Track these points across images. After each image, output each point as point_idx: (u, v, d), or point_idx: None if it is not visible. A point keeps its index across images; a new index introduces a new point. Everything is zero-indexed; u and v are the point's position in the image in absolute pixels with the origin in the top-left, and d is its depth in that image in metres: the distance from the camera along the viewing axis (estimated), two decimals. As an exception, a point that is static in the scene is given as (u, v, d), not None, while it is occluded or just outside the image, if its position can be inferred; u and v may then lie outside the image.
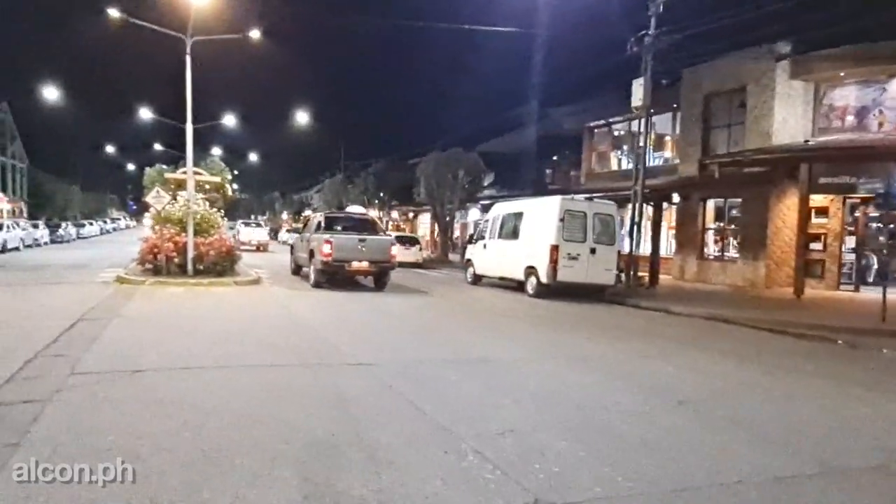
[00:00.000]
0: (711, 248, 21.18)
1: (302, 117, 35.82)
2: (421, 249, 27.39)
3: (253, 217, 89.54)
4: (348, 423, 4.60)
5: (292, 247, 19.43)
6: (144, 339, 7.44)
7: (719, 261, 20.49)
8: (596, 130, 27.32)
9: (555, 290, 14.94)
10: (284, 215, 72.84)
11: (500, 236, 17.27)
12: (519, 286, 16.11)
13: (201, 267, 15.42)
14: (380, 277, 15.54)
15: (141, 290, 12.93)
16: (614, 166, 26.67)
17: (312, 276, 15.26)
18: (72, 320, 8.54)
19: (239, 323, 9.11)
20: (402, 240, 26.98)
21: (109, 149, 55.02)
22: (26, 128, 50.36)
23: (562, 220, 14.74)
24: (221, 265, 15.60)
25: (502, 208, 17.72)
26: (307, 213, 67.80)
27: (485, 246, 17.89)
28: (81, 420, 4.35)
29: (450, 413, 4.95)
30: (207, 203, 20.20)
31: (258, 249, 31.97)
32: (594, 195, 16.29)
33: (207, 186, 24.53)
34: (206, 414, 4.60)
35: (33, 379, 5.42)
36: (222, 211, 22.33)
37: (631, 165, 24.90)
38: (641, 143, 16.95)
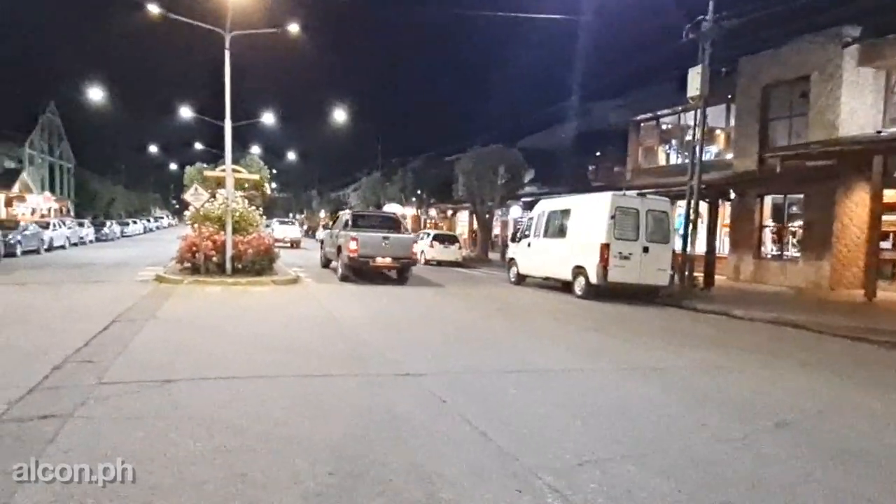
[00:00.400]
0: (769, 248, 19.99)
1: (340, 115, 35.63)
2: (461, 248, 26.77)
3: (291, 215, 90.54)
4: (402, 448, 4.00)
5: (322, 242, 20.58)
6: (178, 344, 7.00)
7: (778, 260, 19.31)
8: (643, 125, 26.25)
9: (604, 292, 14.16)
10: (322, 213, 73.08)
11: (545, 234, 16.52)
12: (566, 287, 15.35)
13: (240, 266, 15.13)
14: (402, 272, 16.43)
15: (178, 290, 12.63)
16: (662, 161, 25.58)
17: (339, 270, 16.25)
18: (106, 322, 8.19)
19: (277, 325, 8.63)
20: (441, 238, 26.49)
21: (152, 148, 56.05)
22: (72, 128, 51.57)
23: (613, 217, 13.92)
24: (260, 264, 15.27)
25: (547, 205, 16.97)
26: (343, 210, 68.09)
27: (529, 245, 17.16)
28: (101, 441, 3.86)
29: (514, 436, 4.31)
30: (246, 201, 20.00)
31: (292, 246, 32.65)
32: (646, 191, 15.37)
33: (246, 185, 24.40)
34: (239, 435, 4.06)
35: (57, 389, 4.99)
36: (261, 209, 22.13)
37: (680, 160, 23.92)
38: (697, 136, 15.93)
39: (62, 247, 28.36)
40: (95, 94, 29.80)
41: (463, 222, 40.35)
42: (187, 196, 14.83)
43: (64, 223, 31.11)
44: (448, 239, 26.82)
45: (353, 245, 15.24)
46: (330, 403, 4.98)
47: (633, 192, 14.41)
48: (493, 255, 29.37)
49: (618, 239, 13.93)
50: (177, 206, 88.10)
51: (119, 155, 66.68)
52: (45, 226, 27.59)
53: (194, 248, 14.90)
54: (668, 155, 25.68)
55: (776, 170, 16.29)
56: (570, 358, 7.55)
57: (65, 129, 50.40)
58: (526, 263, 17.31)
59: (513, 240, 18.56)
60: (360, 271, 15.74)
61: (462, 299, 13.64)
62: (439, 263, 25.57)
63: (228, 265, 15.04)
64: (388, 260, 15.52)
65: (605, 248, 13.84)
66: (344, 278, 15.80)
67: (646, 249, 14.10)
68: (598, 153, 32.05)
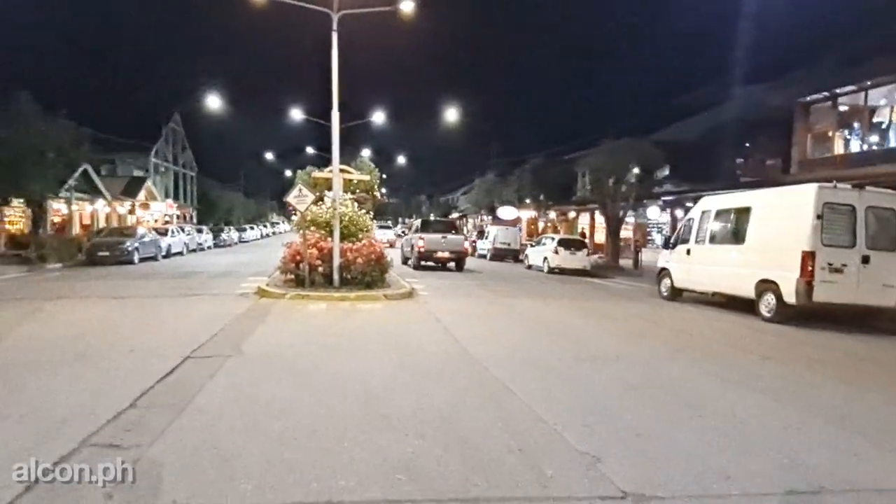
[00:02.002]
0: None
1: (452, 113, 33.72)
2: (589, 254, 23.75)
3: (400, 220, 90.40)
4: None
5: (402, 243, 25.73)
6: (253, 408, 4.83)
7: None
8: (813, 106, 21.93)
9: (806, 313, 10.85)
10: (431, 218, 72.06)
11: (712, 240, 13.33)
12: (746, 306, 12.12)
13: (348, 276, 13.23)
14: (457, 263, 21.76)
15: (278, 307, 10.82)
16: (839, 149, 21.19)
17: (412, 261, 21.77)
18: (177, 360, 6.31)
19: (394, 368, 6.33)
20: (566, 243, 23.67)
21: (268, 155, 57.22)
22: (194, 137, 53.58)
23: (819, 216, 10.58)
24: (371, 275, 13.28)
25: (714, 203, 13.73)
26: (454, 215, 66.46)
27: (688, 252, 13.99)
28: None
29: None
30: (356, 204, 18.27)
31: (390, 246, 31.40)
32: (861, 182, 11.73)
33: (355, 187, 22.85)
34: None
35: (66, 489, 2.99)
36: (371, 213, 20.40)
37: (866, 147, 19.59)
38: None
39: (179, 253, 28.41)
40: (213, 102, 29.91)
41: (584, 225, 37.09)
42: (290, 198, 13.11)
43: (182, 230, 31.37)
44: (575, 244, 23.88)
45: (420, 243, 21.35)
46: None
47: (847, 185, 10.96)
48: (624, 262, 26.06)
49: (826, 245, 10.57)
50: (293, 212, 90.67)
51: (238, 163, 69.22)
52: (164, 233, 27.70)
53: (298, 258, 13.17)
54: (847, 142, 21.23)
55: None
56: (844, 446, 4.63)
57: (188, 138, 52.38)
58: (684, 275, 14.15)
59: (665, 246, 15.41)
60: (427, 261, 21.33)
61: (619, 322, 10.81)
62: (562, 271, 22.75)
63: (336, 276, 13.20)
64: (445, 254, 21.33)
65: (809, 257, 10.52)
66: (415, 267, 21.24)
67: (865, 259, 10.63)
68: (746, 144, 27.77)
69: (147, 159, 42.79)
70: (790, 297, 10.78)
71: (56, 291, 13.07)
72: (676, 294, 14.53)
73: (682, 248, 14.31)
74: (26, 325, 8.51)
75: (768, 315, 11.25)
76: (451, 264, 21.68)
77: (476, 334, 8.58)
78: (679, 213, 27.21)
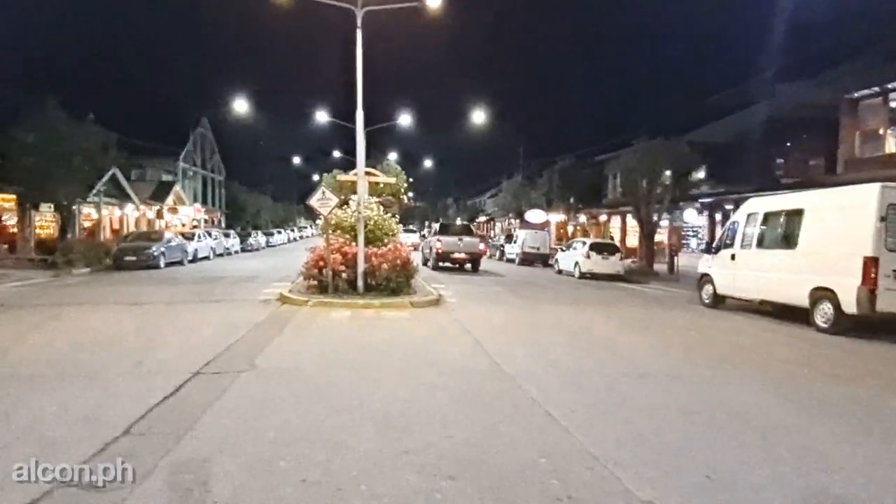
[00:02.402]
0: None
1: (479, 115, 33.16)
2: (622, 259, 22.88)
3: (427, 224, 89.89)
4: None
5: (422, 245, 28.45)
6: (263, 433, 4.29)
7: None
8: (862, 103, 20.78)
9: (866, 324, 9.96)
10: (458, 221, 71.39)
11: (760, 244, 12.46)
12: (797, 315, 11.26)
13: (373, 282, 12.70)
14: (473, 263, 23.19)
15: (300, 315, 10.33)
16: (890, 148, 19.99)
17: (430, 262, 23.14)
18: (186, 375, 5.82)
19: (420, 390, 5.73)
20: (598, 248, 22.84)
21: (295, 160, 57.32)
22: (222, 142, 53.88)
23: (883, 218, 9.69)
24: (396, 281, 12.72)
25: (761, 205, 12.86)
26: (481, 218, 65.74)
27: (733, 257, 13.14)
28: None
29: None
30: (381, 207, 17.77)
31: (414, 250, 31.31)
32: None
33: (381, 190, 22.40)
34: None
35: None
36: (397, 217, 19.90)
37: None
38: None
39: (206, 258, 28.27)
40: (240, 105, 29.87)
41: (615, 228, 36.11)
42: (313, 202, 12.63)
43: (209, 234, 31.28)
44: (607, 248, 23.02)
45: (438, 245, 22.94)
46: None
47: (912, 183, 10.06)
48: (658, 267, 25.09)
49: (891, 251, 9.68)
50: (319, 216, 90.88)
51: (265, 167, 69.58)
52: (191, 237, 27.58)
53: (321, 263, 12.68)
54: (900, 139, 20.02)
55: None
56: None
57: (216, 143, 52.67)
58: (728, 281, 13.30)
59: (707, 250, 14.54)
60: (444, 262, 22.95)
61: (660, 334, 10.05)
62: (594, 276, 21.94)
63: (360, 282, 12.68)
64: (462, 255, 22.79)
65: (872, 263, 9.63)
66: (434, 267, 22.62)
67: (935, 265, 9.70)
68: (787, 144, 26.59)
69: (176, 164, 43.04)
70: (850, 306, 9.90)
71: (76, 297, 12.81)
72: (719, 301, 13.67)
73: (725, 252, 13.46)
74: (36, 334, 8.14)
75: (824, 325, 10.38)
76: (468, 265, 23.26)
77: (509, 347, 7.94)
78: (718, 216, 26.19)
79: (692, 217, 22.43)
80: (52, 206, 22.87)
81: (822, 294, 10.52)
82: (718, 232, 20.24)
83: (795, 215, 11.57)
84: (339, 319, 10.05)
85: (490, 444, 4.21)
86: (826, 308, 10.42)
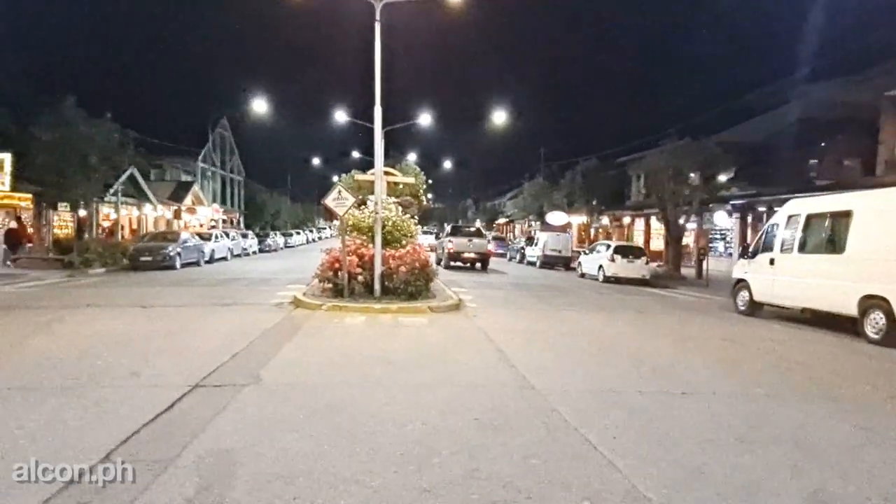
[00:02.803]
0: None
1: (499, 116, 32.59)
2: (647, 262, 22.10)
3: (446, 225, 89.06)
4: None
5: (436, 245, 28.69)
6: (259, 461, 3.73)
7: None
8: (904, 100, 19.80)
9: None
10: (478, 223, 70.75)
11: (802, 248, 11.68)
12: (843, 324, 10.49)
13: (390, 285, 12.16)
14: (482, 262, 24.88)
15: (313, 320, 9.81)
16: (935, 148, 18.99)
17: (443, 261, 23.76)
18: (184, 387, 5.33)
19: (440, 411, 5.14)
20: (623, 251, 22.09)
21: (315, 161, 57.11)
22: (241, 143, 53.79)
23: (944, 222, 8.92)
24: (414, 285, 12.15)
25: (803, 207, 12.06)
26: (500, 220, 64.98)
27: (772, 261, 12.36)
28: None
29: None
30: (400, 208, 17.25)
31: (431, 251, 31.22)
32: None
33: (400, 191, 21.88)
34: None
35: None
36: (416, 218, 19.36)
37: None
38: None
39: (223, 258, 27.99)
40: (259, 105, 29.73)
41: (638, 231, 35.25)
42: (328, 201, 12.11)
43: (227, 235, 31.02)
44: (632, 252, 22.25)
45: (450, 245, 24.58)
46: None
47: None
48: (686, 271, 24.25)
49: (953, 256, 8.90)
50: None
51: (284, 168, 69.46)
52: (208, 238, 27.32)
53: (336, 265, 12.16)
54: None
55: None
56: None
57: (235, 143, 52.60)
58: (766, 287, 12.52)
59: (743, 254, 13.76)
60: (455, 261, 24.24)
61: (698, 345, 9.35)
62: (618, 280, 21.20)
63: (377, 285, 12.15)
64: (471, 254, 24.43)
65: (932, 270, 8.85)
66: (446, 266, 23.35)
67: None
68: (821, 144, 25.58)
69: (195, 164, 42.98)
70: (906, 316, 9.12)
71: (85, 299, 12.43)
72: (756, 308, 12.91)
73: (763, 257, 12.69)
74: (34, 339, 7.70)
75: (876, 337, 9.60)
76: (478, 265, 25.05)
77: (537, 359, 7.32)
78: (749, 218, 25.26)
79: (722, 219, 21.55)
80: (68, 205, 22.67)
81: (873, 302, 9.74)
82: (751, 236, 19.46)
83: (842, 217, 10.78)
84: (353, 325, 9.50)
85: (523, 482, 3.59)
86: (877, 317, 9.63)
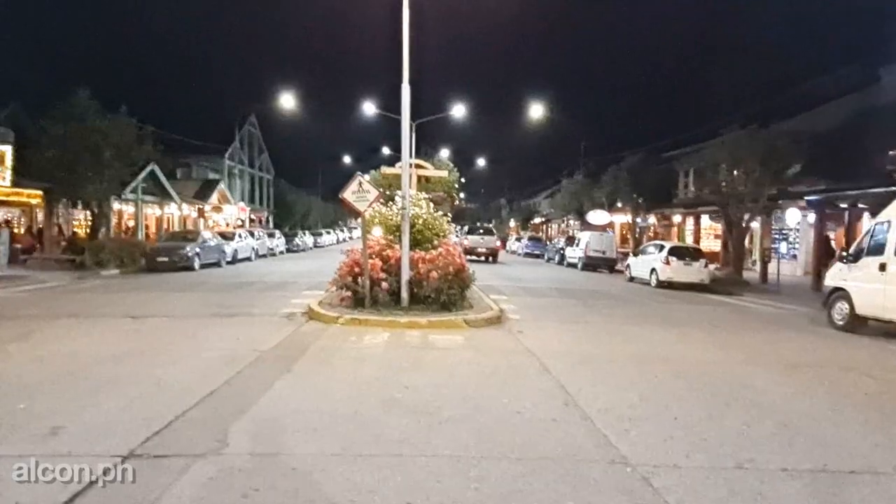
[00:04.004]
0: None
1: (536, 110, 30.57)
2: (707, 265, 19.83)
3: (478, 225, 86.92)
4: None
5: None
6: None
7: None
8: None
9: None
10: (512, 223, 68.58)
11: (928, 251, 9.46)
12: None
13: (419, 292, 10.34)
14: (492, 256, 30.24)
15: (324, 338, 8.06)
16: None
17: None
18: (110, 459, 3.60)
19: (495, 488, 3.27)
20: (680, 253, 19.92)
21: (346, 159, 55.71)
22: (272, 141, 52.64)
23: None
24: (448, 294, 10.29)
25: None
26: (535, 220, 62.68)
27: (883, 267, 10.14)
28: None
29: None
30: (431, 204, 15.36)
31: (467, 253, 32.24)
32: None
33: (431, 187, 20.05)
34: None
35: None
36: (449, 215, 17.48)
37: None
38: None
39: (247, 259, 26.63)
40: (287, 101, 28.50)
41: (690, 231, 32.76)
42: (346, 195, 10.30)
43: (252, 234, 29.66)
44: (690, 253, 20.00)
45: (466, 242, 29.43)
46: None
47: None
48: (748, 274, 21.83)
49: None
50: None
51: (315, 166, 68.36)
52: (230, 237, 25.94)
53: (356, 270, 10.38)
54: None
55: None
56: None
57: (265, 141, 51.51)
58: (873, 298, 10.29)
59: (843, 258, 11.51)
60: (469, 255, 23.42)
61: (819, 379, 7.26)
62: (671, 285, 19.00)
63: (404, 293, 10.35)
64: (483, 249, 29.91)
65: None
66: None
67: None
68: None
69: (222, 161, 41.87)
70: None
71: (73, 306, 10.94)
72: (858, 324, 10.68)
73: (870, 261, 10.46)
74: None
75: None
76: (490, 258, 30.04)
77: (615, 404, 5.35)
78: (822, 215, 22.60)
79: (794, 217, 19.11)
80: (81, 202, 21.48)
81: None
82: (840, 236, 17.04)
83: None
84: (372, 347, 7.67)
85: None
86: None
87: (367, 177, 10.86)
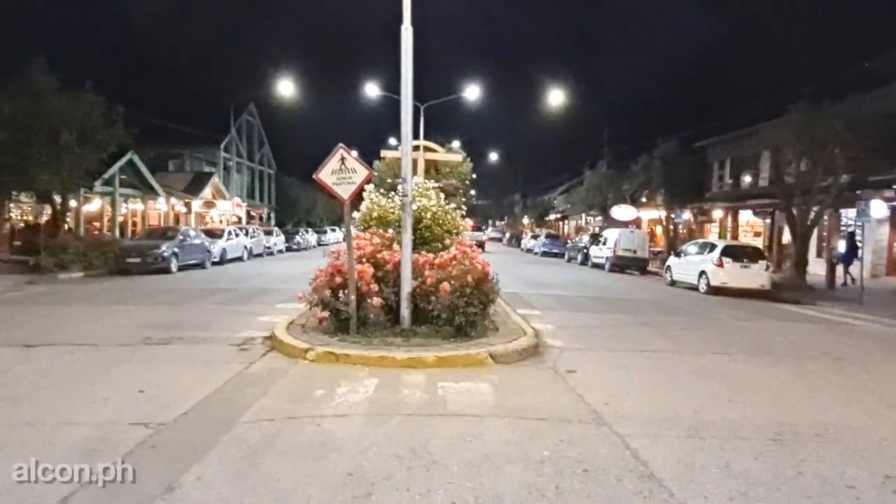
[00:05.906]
0: None
1: (556, 96, 27.74)
2: (768, 268, 16.81)
3: (490, 222, 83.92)
4: None
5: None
6: None
7: None
8: None
9: None
10: (525, 220, 65.54)
11: None
12: None
13: (425, 307, 7.45)
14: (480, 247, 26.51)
15: (277, 390, 5.24)
16: None
17: None
18: None
19: None
20: (735, 253, 16.93)
21: (353, 153, 52.81)
22: (274, 134, 49.81)
23: None
24: (465, 312, 7.32)
25: None
26: (550, 216, 59.56)
27: None
28: None
29: None
30: (442, 195, 12.36)
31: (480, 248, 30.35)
32: None
33: (442, 176, 17.13)
34: None
35: None
36: (463, 209, 14.53)
37: None
38: None
39: (239, 259, 23.86)
40: (286, 88, 26.04)
41: (728, 228, 29.66)
42: (322, 175, 7.40)
43: (245, 231, 26.88)
44: (747, 254, 16.98)
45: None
46: None
47: None
48: (811, 278, 18.76)
49: None
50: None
51: (321, 161, 65.50)
52: (219, 235, 23.16)
53: (338, 280, 7.46)
54: None
55: None
56: None
57: (267, 134, 48.68)
58: None
59: None
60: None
61: None
62: (722, 290, 16.06)
63: (405, 311, 7.50)
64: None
65: None
66: None
67: None
68: None
69: (217, 152, 39.03)
70: None
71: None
72: None
73: None
74: None
75: None
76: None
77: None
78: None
79: (881, 211, 15.92)
80: (35, 193, 18.75)
81: None
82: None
83: None
84: (346, 415, 4.72)
85: None
86: None
87: (355, 153, 7.85)
